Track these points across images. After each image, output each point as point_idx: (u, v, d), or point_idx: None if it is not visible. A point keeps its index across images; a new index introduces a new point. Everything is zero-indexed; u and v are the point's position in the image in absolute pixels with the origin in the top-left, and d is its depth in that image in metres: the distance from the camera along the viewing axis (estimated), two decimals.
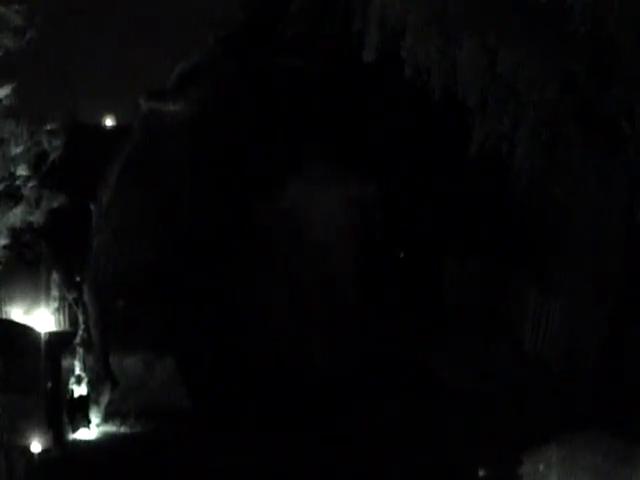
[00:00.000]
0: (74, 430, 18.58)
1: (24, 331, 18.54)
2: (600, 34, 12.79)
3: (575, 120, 14.56)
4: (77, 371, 18.88)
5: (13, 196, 16.44)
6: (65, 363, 18.72)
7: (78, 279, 19.45)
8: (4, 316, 19.47)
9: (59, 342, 18.75)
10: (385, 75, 16.83)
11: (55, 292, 19.44)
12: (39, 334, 18.49)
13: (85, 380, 18.91)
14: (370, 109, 20.49)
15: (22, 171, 16.30)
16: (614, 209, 16.34)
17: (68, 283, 19.27)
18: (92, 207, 19.66)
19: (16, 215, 16.36)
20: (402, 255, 21.58)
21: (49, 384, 17.94)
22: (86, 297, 19.31)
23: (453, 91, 14.78)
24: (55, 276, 19.37)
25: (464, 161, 15.88)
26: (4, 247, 16.66)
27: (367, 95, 20.31)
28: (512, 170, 15.06)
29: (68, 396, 18.72)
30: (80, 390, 18.86)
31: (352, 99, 20.42)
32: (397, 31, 14.44)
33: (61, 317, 19.62)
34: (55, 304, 19.54)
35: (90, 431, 18.77)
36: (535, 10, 13.20)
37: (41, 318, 19.33)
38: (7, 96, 15.81)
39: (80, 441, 18.41)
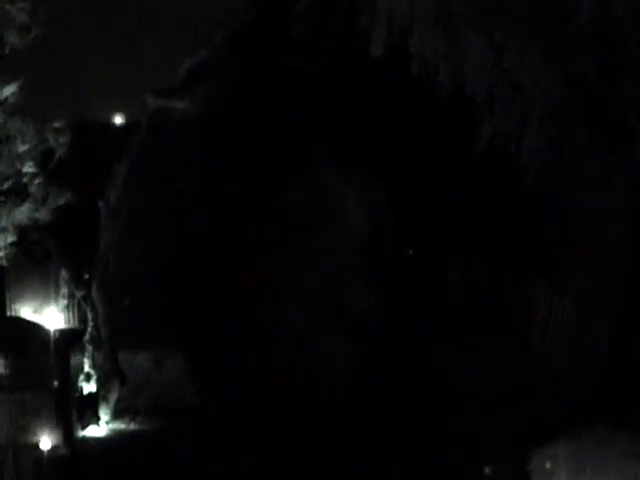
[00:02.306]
0: (83, 427, 18.62)
1: (33, 328, 18.58)
2: (608, 31, 12.76)
3: (582, 118, 14.53)
4: (86, 368, 18.92)
5: (20, 193, 16.46)
6: (74, 360, 18.75)
7: (87, 276, 19.50)
8: (14, 314, 19.53)
9: (68, 339, 18.78)
10: (393, 73, 16.79)
11: (64, 290, 19.47)
12: (48, 331, 18.54)
13: (94, 377, 18.95)
14: (376, 108, 20.42)
15: (28, 168, 16.30)
16: (621, 207, 16.30)
17: (77, 281, 19.33)
18: (100, 204, 19.69)
19: (22, 212, 16.38)
20: (407, 254, 21.54)
21: (58, 381, 17.98)
22: (95, 294, 19.35)
23: (460, 88, 14.75)
24: (64, 274, 19.41)
25: (469, 160, 15.85)
26: (12, 244, 16.69)
27: (374, 94, 20.25)
28: (518, 168, 15.03)
29: (77, 393, 18.76)
30: (89, 387, 18.91)
31: (359, 98, 20.35)
32: (404, 28, 14.42)
33: (70, 315, 19.65)
34: (64, 302, 19.56)
35: (99, 428, 18.80)
36: (542, 7, 13.18)
37: (50, 316, 19.38)
38: (13, 93, 15.82)
39: (89, 438, 18.45)
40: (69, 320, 19.61)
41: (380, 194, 21.19)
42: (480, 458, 15.26)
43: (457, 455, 16.06)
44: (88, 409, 18.80)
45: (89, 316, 19.19)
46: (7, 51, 15.59)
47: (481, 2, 13.62)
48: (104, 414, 19.02)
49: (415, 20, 14.31)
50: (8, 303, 19.33)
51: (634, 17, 12.21)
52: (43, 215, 16.76)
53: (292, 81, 20.38)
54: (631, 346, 17.32)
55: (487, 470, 14.93)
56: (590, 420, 14.63)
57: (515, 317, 19.87)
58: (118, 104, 23.31)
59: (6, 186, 16.18)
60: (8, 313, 19.40)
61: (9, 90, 15.86)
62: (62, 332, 18.83)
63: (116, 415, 19.24)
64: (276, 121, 20.52)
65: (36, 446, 16.53)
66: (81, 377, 18.84)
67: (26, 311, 19.33)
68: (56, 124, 16.63)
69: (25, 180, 16.44)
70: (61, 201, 16.97)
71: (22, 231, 16.98)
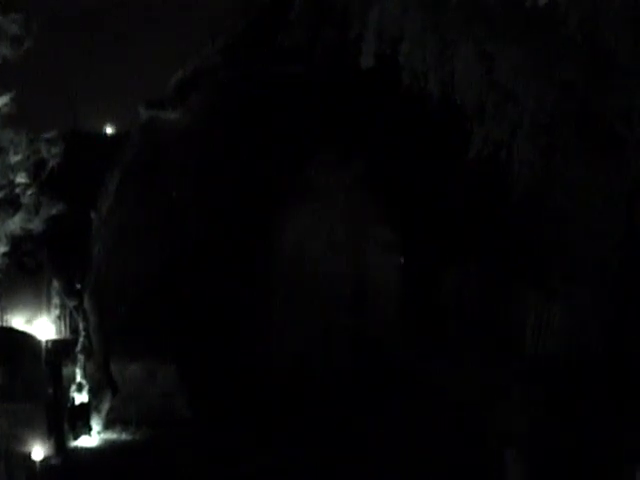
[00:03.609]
0: (75, 437, 18.65)
1: (25, 339, 18.58)
2: (597, 40, 12.83)
3: (573, 125, 14.57)
4: (78, 378, 18.97)
5: (12, 203, 16.50)
6: (66, 371, 18.78)
7: (79, 287, 19.51)
8: (5, 324, 19.49)
9: (60, 350, 18.80)
10: (384, 83, 16.84)
11: (56, 300, 19.44)
12: (40, 342, 18.55)
13: (86, 387, 19.00)
14: (370, 116, 20.45)
15: (21, 179, 16.37)
16: (613, 213, 16.33)
17: (69, 291, 19.34)
18: (92, 215, 19.73)
19: (15, 222, 16.42)
20: (402, 260, 21.55)
21: (50, 392, 17.99)
22: (87, 305, 19.40)
23: (451, 97, 14.78)
24: (56, 284, 19.39)
25: (463, 167, 15.88)
26: (4, 254, 16.72)
27: (367, 102, 20.27)
28: (510, 175, 15.07)
29: (69, 403, 18.79)
30: (81, 397, 18.95)
31: (352, 106, 20.39)
32: (395, 38, 14.45)
33: (62, 325, 19.62)
34: (56, 312, 19.51)
35: (91, 438, 18.84)
36: (532, 16, 13.24)
37: (42, 326, 19.36)
38: (6, 105, 15.87)
39: (81, 448, 18.48)
40: (61, 330, 19.55)
41: (377, 201, 21.16)
42: (476, 460, 15.32)
43: (453, 457, 16.09)
44: (80, 419, 18.84)
45: (81, 326, 19.24)
46: None
47: (471, 12, 13.66)
48: (96, 424, 19.07)
49: (405, 30, 14.34)
50: (0, 313, 19.29)
51: (623, 26, 12.29)
52: (36, 225, 16.80)
53: (285, 89, 20.42)
54: (625, 350, 17.35)
55: (482, 473, 15.00)
56: (585, 423, 14.70)
57: (509, 322, 19.88)
58: (110, 114, 23.36)
59: None
60: (0, 324, 19.35)
61: (1, 101, 15.91)
62: (54, 342, 18.83)
63: (108, 425, 19.27)
64: (272, 129, 20.55)
65: (28, 456, 16.53)
66: (73, 387, 18.88)
67: (18, 321, 19.28)
68: (48, 135, 16.68)
69: (18, 191, 16.49)
70: (53, 211, 17.03)
71: (15, 241, 17.00)
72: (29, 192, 16.56)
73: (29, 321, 19.37)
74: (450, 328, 20.25)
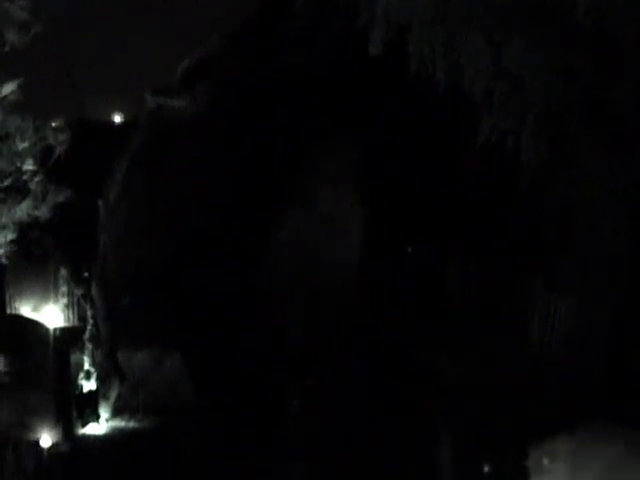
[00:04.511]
0: (83, 425, 18.68)
1: (33, 326, 18.61)
2: (604, 28, 12.80)
3: (580, 115, 14.55)
4: (86, 366, 18.99)
5: (19, 191, 16.53)
6: (74, 358, 18.80)
7: (86, 275, 19.52)
8: (13, 312, 19.54)
9: (68, 337, 18.81)
10: (391, 71, 16.80)
11: (63, 288, 19.46)
12: (48, 329, 18.58)
13: (94, 375, 19.02)
14: (374, 107, 20.41)
15: (28, 166, 16.39)
16: (620, 205, 16.27)
17: (76, 279, 19.34)
18: (99, 203, 19.74)
19: (22, 209, 16.46)
20: (406, 253, 21.54)
21: (58, 379, 18.03)
22: (94, 293, 19.40)
23: (458, 86, 14.77)
24: (63, 272, 19.42)
25: (468, 158, 15.87)
26: (11, 242, 16.75)
27: (372, 92, 20.22)
28: (517, 166, 15.05)
29: (77, 391, 18.82)
30: (89, 385, 18.98)
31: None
32: (402, 26, 14.44)
33: (70, 313, 19.65)
34: (64, 300, 19.55)
35: (99, 426, 18.87)
36: (541, 4, 13.21)
37: (50, 314, 19.40)
38: (13, 92, 15.88)
39: (89, 435, 18.50)
40: (69, 318, 19.59)
41: (381, 191, 21.16)
42: (480, 455, 15.28)
43: (457, 451, 16.07)
44: (88, 407, 18.86)
45: (89, 314, 19.25)
46: (7, 49, 15.64)
47: (477, 0, 13.65)
48: (104, 412, 19.09)
49: (413, 18, 14.32)
50: (8, 301, 19.30)
51: (632, 14, 12.25)
52: (43, 212, 16.83)
53: (291, 78, 20.38)
54: (630, 344, 17.32)
55: (487, 467, 14.95)
56: (589, 417, 14.65)
57: (514, 316, 19.83)
58: (117, 102, 23.35)
59: (6, 183, 16.25)
60: (8, 311, 19.37)
61: (9, 88, 15.91)
62: (62, 330, 18.86)
63: (116, 413, 19.30)
64: (278, 118, 20.52)
65: (37, 443, 16.58)
66: (81, 375, 18.90)
67: (26, 309, 19.33)
68: (55, 122, 16.70)
69: (25, 177, 16.51)
70: (60, 198, 17.05)
71: (22, 229, 17.03)
72: (36, 179, 16.58)
73: (37, 309, 19.42)
74: (451, 327, 20.27)
